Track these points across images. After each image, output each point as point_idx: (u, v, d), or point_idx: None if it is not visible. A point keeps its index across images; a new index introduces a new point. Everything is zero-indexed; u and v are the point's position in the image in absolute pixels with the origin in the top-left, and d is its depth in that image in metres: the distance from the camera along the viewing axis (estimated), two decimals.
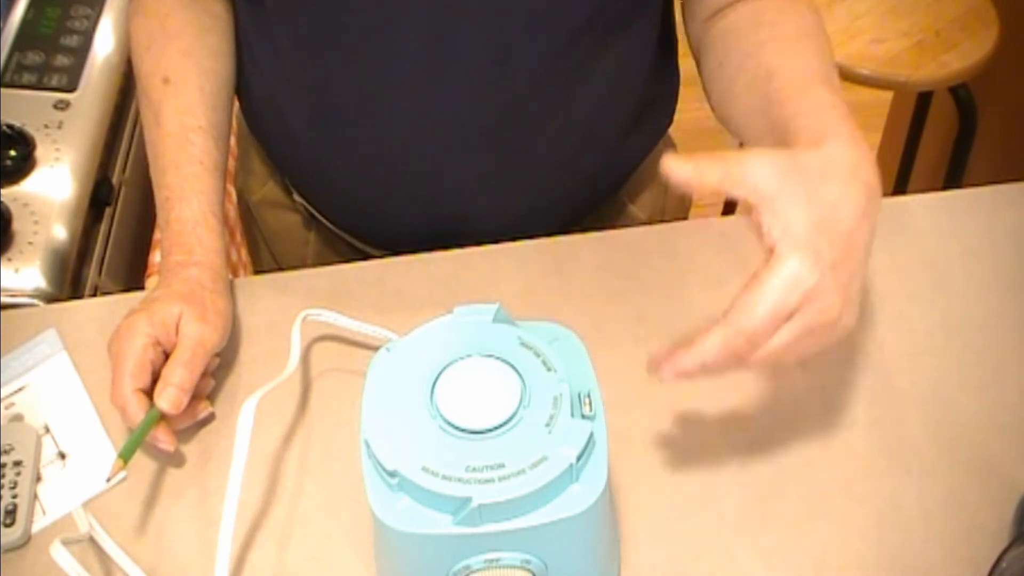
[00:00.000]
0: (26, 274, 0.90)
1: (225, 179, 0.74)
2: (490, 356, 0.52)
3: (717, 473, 0.63)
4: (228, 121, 0.76)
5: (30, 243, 0.92)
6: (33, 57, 1.06)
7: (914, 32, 1.43)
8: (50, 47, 1.07)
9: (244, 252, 1.02)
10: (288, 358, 0.65)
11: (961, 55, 1.40)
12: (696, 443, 0.64)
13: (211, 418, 0.67)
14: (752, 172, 0.51)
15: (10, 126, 0.98)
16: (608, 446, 0.50)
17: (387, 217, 0.80)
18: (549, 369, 0.51)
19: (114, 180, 1.04)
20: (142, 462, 0.64)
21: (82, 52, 1.07)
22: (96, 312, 0.74)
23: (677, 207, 0.94)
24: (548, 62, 0.70)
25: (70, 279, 0.93)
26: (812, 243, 0.50)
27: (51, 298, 0.90)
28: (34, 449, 0.65)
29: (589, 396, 0.51)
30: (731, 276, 0.72)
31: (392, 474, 0.48)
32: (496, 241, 0.77)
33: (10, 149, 0.97)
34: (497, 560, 0.49)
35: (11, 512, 0.61)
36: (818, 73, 0.60)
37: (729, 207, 1.80)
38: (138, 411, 0.61)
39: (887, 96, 1.89)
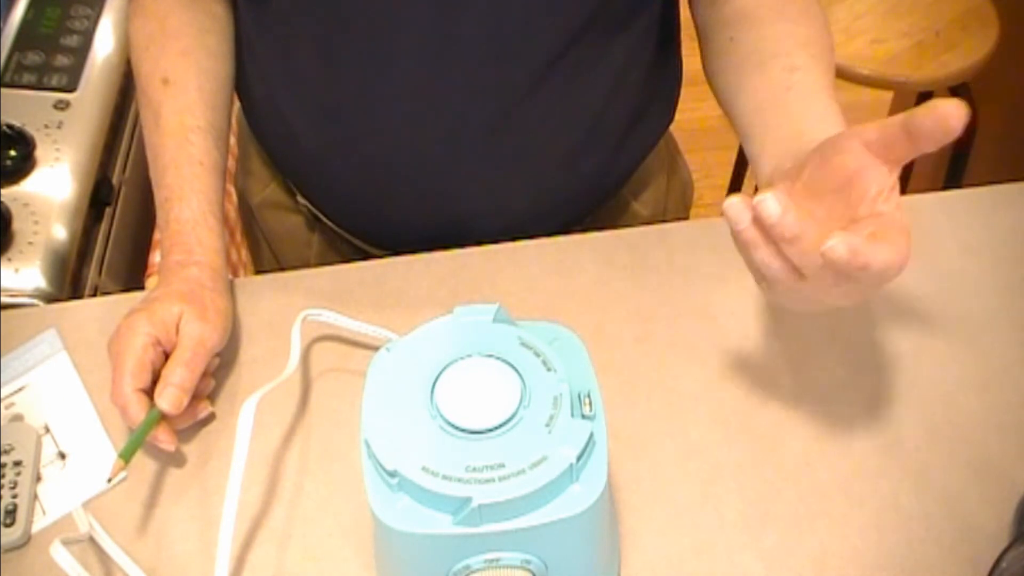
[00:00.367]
0: (26, 274, 0.90)
1: (225, 179, 0.74)
2: (490, 356, 0.52)
3: (717, 473, 0.63)
4: (228, 121, 0.76)
5: (30, 243, 0.92)
6: (33, 57, 1.06)
7: (914, 32, 1.43)
8: (50, 47, 1.08)
9: (244, 252, 1.02)
10: (288, 358, 0.65)
11: (961, 55, 1.40)
12: (696, 443, 0.64)
13: (211, 418, 0.67)
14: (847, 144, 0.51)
15: (10, 126, 0.98)
16: (608, 446, 0.50)
17: (388, 217, 0.80)
18: (549, 369, 0.51)
19: (114, 180, 1.04)
20: (142, 462, 0.64)
21: (82, 52, 1.07)
22: (96, 312, 0.74)
23: (679, 204, 0.94)
24: (549, 62, 0.70)
25: (70, 279, 0.93)
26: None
27: (51, 298, 0.90)
28: (34, 449, 0.65)
29: (589, 396, 0.51)
30: (731, 276, 0.72)
31: (392, 474, 0.48)
32: (497, 241, 0.77)
33: (10, 149, 0.97)
34: (497, 560, 0.49)
35: (11, 512, 0.61)
36: (831, 82, 0.63)
37: None
38: (138, 411, 0.61)
39: (887, 96, 1.88)
